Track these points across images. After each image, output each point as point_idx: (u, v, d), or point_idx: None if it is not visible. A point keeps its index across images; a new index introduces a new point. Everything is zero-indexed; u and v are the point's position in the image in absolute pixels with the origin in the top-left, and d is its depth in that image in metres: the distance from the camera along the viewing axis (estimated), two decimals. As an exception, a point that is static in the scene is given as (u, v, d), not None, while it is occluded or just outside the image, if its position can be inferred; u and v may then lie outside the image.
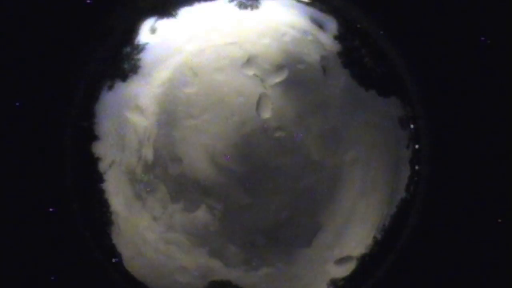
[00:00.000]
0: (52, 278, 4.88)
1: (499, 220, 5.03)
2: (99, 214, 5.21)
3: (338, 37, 5.36)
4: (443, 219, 5.10)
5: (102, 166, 5.21)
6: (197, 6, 5.33)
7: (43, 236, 4.91)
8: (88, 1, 4.87)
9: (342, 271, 5.29)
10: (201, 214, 5.23)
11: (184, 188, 5.25)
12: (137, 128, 5.27)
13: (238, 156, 5.23)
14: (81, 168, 5.17)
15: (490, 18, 4.99)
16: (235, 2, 5.33)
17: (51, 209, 4.93)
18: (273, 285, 5.28)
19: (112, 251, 5.22)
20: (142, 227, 5.26)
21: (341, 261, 5.28)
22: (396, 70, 5.32)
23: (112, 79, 5.23)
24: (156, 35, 5.29)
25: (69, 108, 5.09)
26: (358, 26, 5.35)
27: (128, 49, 5.24)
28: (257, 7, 5.36)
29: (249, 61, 5.28)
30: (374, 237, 5.29)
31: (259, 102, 5.25)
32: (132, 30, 5.25)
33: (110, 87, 5.22)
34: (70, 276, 4.96)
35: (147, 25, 5.28)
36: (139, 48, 5.26)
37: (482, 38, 4.98)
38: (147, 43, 5.27)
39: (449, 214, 5.08)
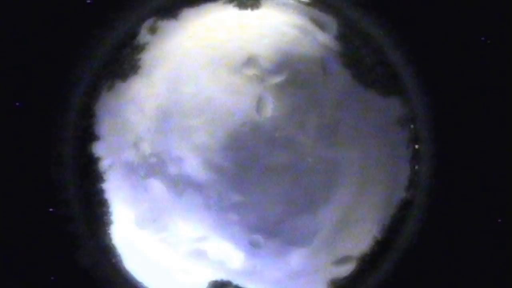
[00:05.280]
0: (52, 278, 4.88)
1: (499, 220, 5.03)
2: (99, 214, 5.21)
3: (338, 37, 5.36)
4: (443, 219, 5.10)
5: (102, 166, 5.21)
6: (197, 6, 5.33)
7: (43, 236, 4.91)
8: (88, 1, 4.87)
9: (342, 271, 5.28)
10: (200, 214, 5.23)
11: (184, 188, 5.25)
12: (137, 128, 5.27)
13: (238, 156, 5.23)
14: (81, 168, 5.17)
15: (490, 18, 4.99)
16: (235, 2, 5.33)
17: (51, 209, 4.92)
18: (272, 285, 5.28)
19: (112, 251, 5.22)
20: (142, 227, 5.26)
21: (341, 261, 5.28)
22: (396, 70, 5.32)
23: (112, 79, 5.23)
24: (156, 35, 5.29)
25: (69, 108, 5.09)
26: (358, 26, 5.35)
27: (128, 49, 5.24)
28: (257, 7, 5.36)
29: (249, 61, 5.28)
30: (374, 237, 5.29)
31: (259, 102, 5.25)
32: (132, 30, 5.25)
33: (110, 87, 5.23)
34: (70, 276, 4.96)
35: (147, 25, 5.28)
36: (139, 48, 5.26)
37: (482, 38, 4.98)
38: (147, 43, 5.27)
39: (449, 214, 5.08)
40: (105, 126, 5.22)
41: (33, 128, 4.89)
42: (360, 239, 5.30)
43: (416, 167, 5.33)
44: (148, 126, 5.28)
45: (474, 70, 5.02)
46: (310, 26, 5.38)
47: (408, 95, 5.33)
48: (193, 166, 5.25)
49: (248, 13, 5.35)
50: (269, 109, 5.26)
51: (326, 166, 5.29)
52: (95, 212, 5.21)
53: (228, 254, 5.25)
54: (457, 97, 5.06)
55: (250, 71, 5.29)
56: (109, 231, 5.22)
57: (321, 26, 5.38)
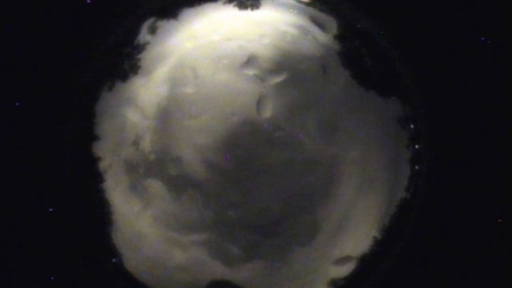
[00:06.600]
0: (52, 278, 4.88)
1: (499, 220, 5.03)
2: (99, 214, 5.21)
3: (338, 37, 5.36)
4: (443, 219, 5.10)
5: (102, 166, 5.21)
6: (197, 7, 5.33)
7: (43, 236, 4.91)
8: (88, 1, 4.87)
9: (342, 271, 5.29)
10: (201, 214, 5.23)
11: (184, 188, 5.25)
12: (137, 128, 5.27)
13: (238, 155, 5.23)
14: (81, 168, 5.17)
15: (490, 18, 4.99)
16: (235, 2, 5.34)
17: (51, 209, 4.92)
18: (272, 285, 5.28)
19: (112, 251, 5.22)
20: (142, 227, 5.26)
21: (341, 261, 5.28)
22: (396, 70, 5.32)
23: (112, 79, 5.23)
24: (156, 35, 5.29)
25: (69, 108, 5.09)
26: (358, 26, 5.35)
27: (128, 49, 5.24)
28: (257, 7, 5.36)
29: (249, 61, 5.28)
30: (374, 237, 5.29)
31: (259, 102, 5.25)
32: (132, 30, 5.25)
33: (110, 87, 5.23)
34: (70, 276, 4.96)
35: (147, 25, 5.28)
36: (139, 48, 5.26)
37: (482, 38, 4.98)
38: (147, 43, 5.27)
39: (448, 214, 5.08)
40: (105, 126, 5.22)
41: (33, 128, 4.89)
42: (360, 239, 5.30)
43: (416, 167, 5.33)
44: (148, 126, 5.28)
45: (474, 70, 5.02)
46: (310, 26, 5.38)
47: (408, 95, 5.33)
48: (193, 165, 5.25)
49: (248, 13, 5.35)
50: (269, 109, 5.26)
51: (326, 166, 5.29)
52: (95, 212, 5.21)
53: (228, 254, 5.25)
54: (457, 97, 5.06)
55: (250, 71, 5.29)
56: (109, 231, 5.21)
57: (321, 26, 5.39)
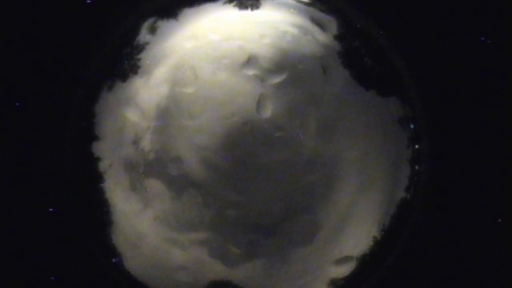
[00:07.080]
0: (52, 278, 4.88)
1: (499, 220, 5.03)
2: (99, 214, 5.21)
3: (338, 37, 5.36)
4: (443, 219, 5.10)
5: (102, 166, 5.21)
6: (197, 7, 5.33)
7: (43, 236, 4.91)
8: (88, 1, 4.87)
9: (342, 271, 5.29)
10: (201, 214, 5.23)
11: (184, 188, 5.25)
12: (137, 128, 5.27)
13: (238, 155, 5.23)
14: (81, 168, 5.17)
15: (490, 18, 4.99)
16: (235, 2, 5.34)
17: (51, 209, 4.93)
18: (272, 285, 5.28)
19: (112, 251, 5.22)
20: (142, 227, 5.26)
21: (341, 261, 5.28)
22: (396, 70, 5.32)
23: (112, 79, 5.23)
24: (156, 35, 5.29)
25: (69, 108, 5.09)
26: (358, 26, 5.35)
27: (128, 49, 5.24)
28: (257, 7, 5.36)
29: (249, 61, 5.28)
30: (374, 237, 5.29)
31: (259, 102, 5.25)
32: (132, 30, 5.25)
33: (110, 87, 5.23)
34: (70, 276, 4.96)
35: (147, 25, 5.28)
36: (139, 48, 5.26)
37: (482, 38, 4.98)
38: (147, 43, 5.27)
39: (449, 214, 5.08)
40: (105, 126, 5.22)
41: (33, 128, 4.89)
42: (360, 239, 5.30)
43: (416, 167, 5.33)
44: (148, 126, 5.28)
45: (474, 70, 5.02)
46: (310, 26, 5.38)
47: (408, 95, 5.33)
48: (193, 165, 5.25)
49: (248, 13, 5.35)
50: (269, 109, 5.26)
51: (326, 166, 5.29)
52: (95, 212, 5.21)
53: (228, 254, 5.25)
54: (457, 97, 5.06)
55: (250, 71, 5.29)
56: (109, 231, 5.22)
57: (321, 26, 5.39)
